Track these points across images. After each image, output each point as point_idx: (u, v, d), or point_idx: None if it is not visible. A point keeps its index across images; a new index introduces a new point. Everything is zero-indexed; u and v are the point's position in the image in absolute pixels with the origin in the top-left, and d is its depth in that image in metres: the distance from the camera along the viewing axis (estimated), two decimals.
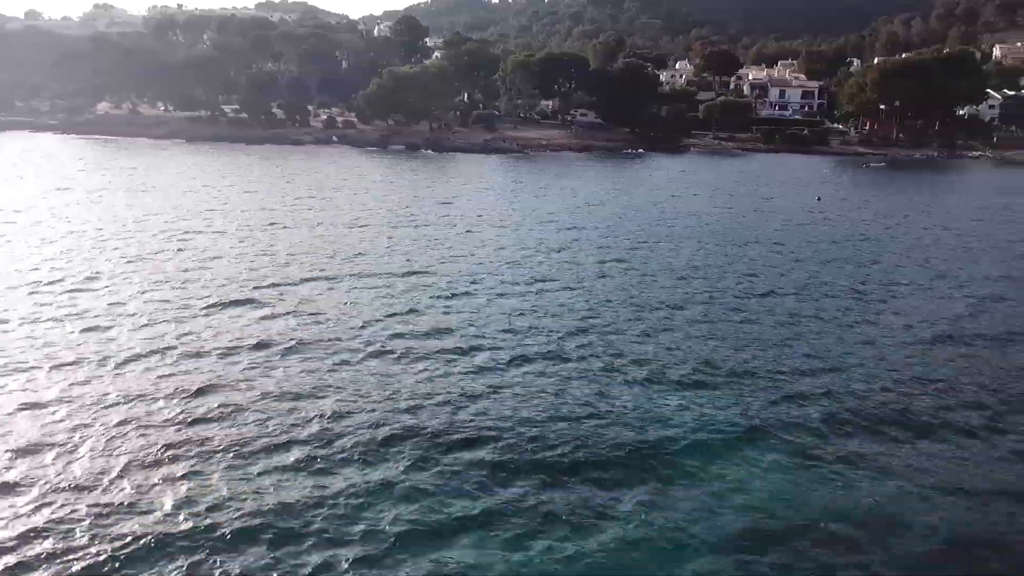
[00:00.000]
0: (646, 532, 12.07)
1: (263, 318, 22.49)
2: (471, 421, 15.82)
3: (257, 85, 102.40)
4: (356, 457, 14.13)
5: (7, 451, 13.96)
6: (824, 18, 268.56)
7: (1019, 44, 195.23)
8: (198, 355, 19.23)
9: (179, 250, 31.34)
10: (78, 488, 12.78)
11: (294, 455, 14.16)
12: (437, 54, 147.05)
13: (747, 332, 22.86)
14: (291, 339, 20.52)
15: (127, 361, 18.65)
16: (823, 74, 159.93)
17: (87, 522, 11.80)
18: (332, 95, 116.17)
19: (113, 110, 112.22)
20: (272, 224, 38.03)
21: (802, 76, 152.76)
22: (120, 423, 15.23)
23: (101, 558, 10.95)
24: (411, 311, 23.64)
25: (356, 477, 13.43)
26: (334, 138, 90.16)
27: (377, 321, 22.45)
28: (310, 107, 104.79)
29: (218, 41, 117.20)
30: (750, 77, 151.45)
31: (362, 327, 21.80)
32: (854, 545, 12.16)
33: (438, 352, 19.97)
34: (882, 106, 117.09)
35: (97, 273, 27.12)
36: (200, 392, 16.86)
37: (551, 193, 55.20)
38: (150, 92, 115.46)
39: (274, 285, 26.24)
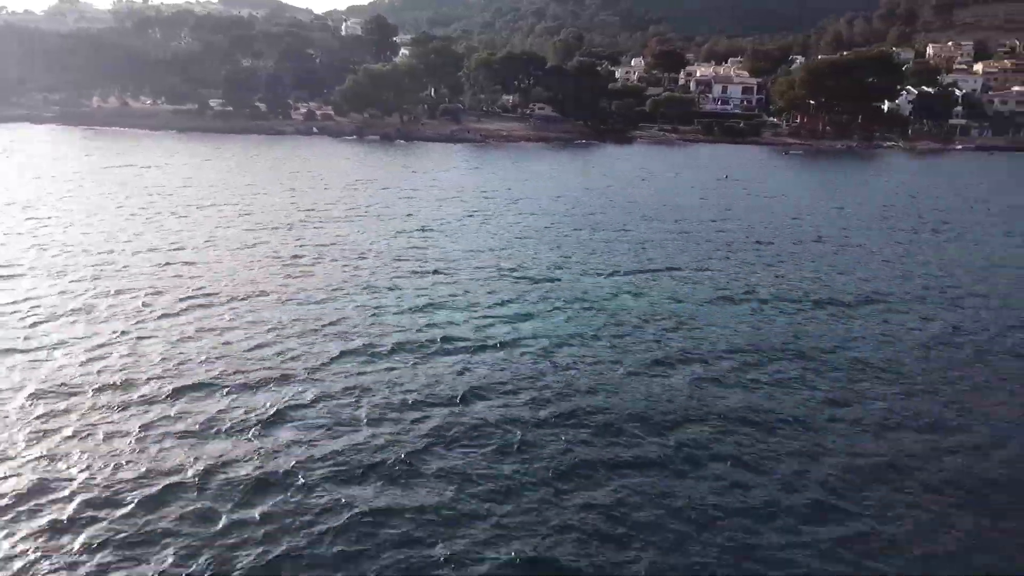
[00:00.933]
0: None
1: (308, 234, 35.62)
2: (432, 273, 29.30)
3: (238, 81, 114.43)
4: (387, 285, 27.48)
5: (184, 324, 27.02)
6: (777, 16, 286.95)
7: (949, 44, 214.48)
8: (275, 255, 32.37)
9: (227, 203, 44.20)
10: (210, 330, 25.90)
11: (355, 299, 27.42)
12: (404, 51, 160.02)
13: (608, 248, 36.64)
14: (329, 243, 33.79)
15: (228, 249, 31.69)
16: (766, 71, 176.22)
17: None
18: (307, 90, 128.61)
19: (102, 104, 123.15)
20: (290, 190, 50.99)
21: (745, 73, 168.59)
22: (240, 284, 28.34)
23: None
24: (398, 233, 36.97)
25: (392, 298, 26.78)
26: (314, 129, 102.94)
27: (381, 239, 35.70)
28: (289, 101, 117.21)
29: (204, 39, 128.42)
30: (697, 74, 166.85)
31: (371, 241, 35.03)
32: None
33: (418, 248, 33.37)
34: (811, 101, 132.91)
35: (175, 211, 40.00)
36: (293, 258, 30.05)
37: (505, 172, 68.83)
38: (133, 85, 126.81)
39: (303, 221, 39.32)
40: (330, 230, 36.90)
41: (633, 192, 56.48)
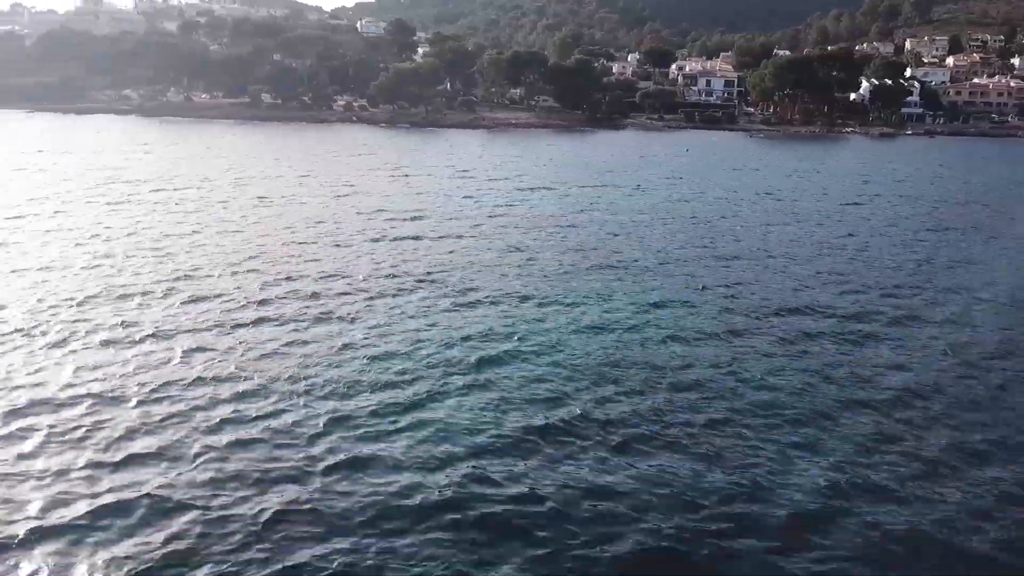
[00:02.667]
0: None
1: (392, 177, 60.83)
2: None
3: (286, 78, 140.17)
4: (453, 191, 52.76)
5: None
6: (770, 12, 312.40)
7: (926, 39, 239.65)
8: (390, 178, 57.60)
9: (335, 158, 69.47)
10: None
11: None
12: (420, 49, 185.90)
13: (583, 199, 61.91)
14: (412, 181, 59.10)
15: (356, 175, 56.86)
16: (750, 66, 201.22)
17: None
18: (339, 84, 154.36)
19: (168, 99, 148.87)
20: (358, 155, 76.40)
21: (729, 68, 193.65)
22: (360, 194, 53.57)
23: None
24: (450, 175, 62.17)
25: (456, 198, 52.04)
26: (354, 118, 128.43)
27: (441, 176, 60.88)
28: (327, 94, 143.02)
29: (250, 42, 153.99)
30: (686, 68, 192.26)
31: (436, 177, 60.20)
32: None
33: (465, 180, 58.55)
34: (780, 92, 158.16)
35: (281, 172, 65.33)
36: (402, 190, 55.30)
37: (513, 149, 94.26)
38: (190, 82, 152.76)
39: (357, 169, 64.40)
40: (398, 177, 62.22)
41: (606, 159, 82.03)
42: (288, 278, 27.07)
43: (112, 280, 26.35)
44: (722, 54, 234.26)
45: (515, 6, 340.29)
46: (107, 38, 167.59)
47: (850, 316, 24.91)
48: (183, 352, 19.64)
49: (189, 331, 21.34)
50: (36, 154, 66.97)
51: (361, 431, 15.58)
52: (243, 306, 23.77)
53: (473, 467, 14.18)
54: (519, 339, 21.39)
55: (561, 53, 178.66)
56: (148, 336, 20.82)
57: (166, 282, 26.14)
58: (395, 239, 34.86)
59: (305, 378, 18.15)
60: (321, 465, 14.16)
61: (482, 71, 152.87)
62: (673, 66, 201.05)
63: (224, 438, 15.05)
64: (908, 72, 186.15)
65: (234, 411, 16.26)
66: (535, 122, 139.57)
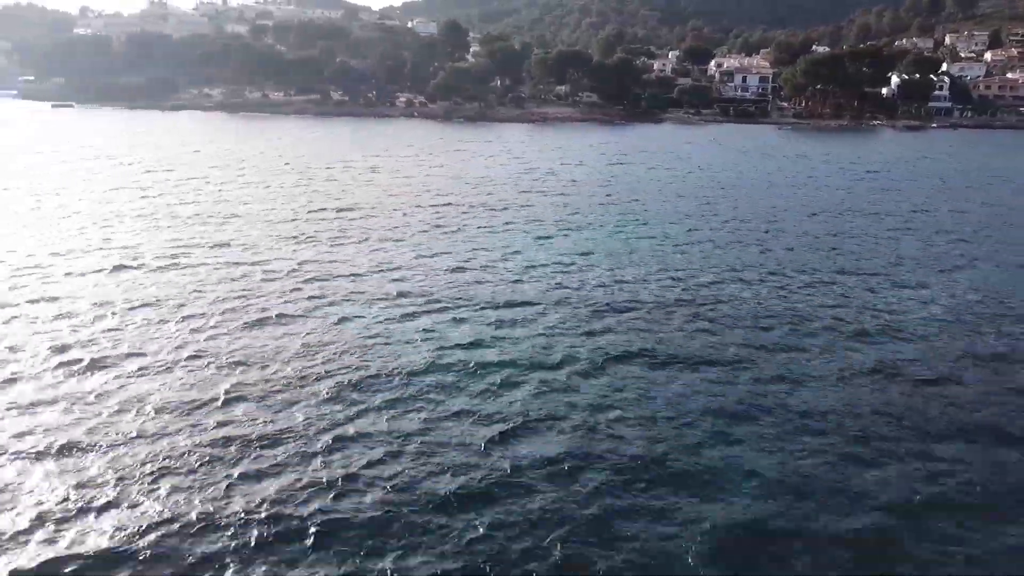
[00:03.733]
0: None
1: (462, 159, 77.12)
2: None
3: (352, 76, 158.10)
4: (501, 170, 68.92)
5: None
6: (812, 10, 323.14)
7: (966, 33, 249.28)
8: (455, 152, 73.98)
9: (402, 148, 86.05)
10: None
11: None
12: (471, 48, 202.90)
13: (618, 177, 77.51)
14: (469, 163, 75.42)
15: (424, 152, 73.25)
16: (787, 62, 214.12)
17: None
18: (397, 83, 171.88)
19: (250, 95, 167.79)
20: (430, 143, 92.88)
21: (766, 64, 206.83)
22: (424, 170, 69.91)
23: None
24: (504, 159, 78.29)
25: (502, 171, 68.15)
26: (414, 113, 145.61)
27: (500, 158, 77.03)
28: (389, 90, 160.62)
29: (316, 44, 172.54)
30: (723, 65, 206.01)
31: (495, 157, 76.37)
32: None
33: (510, 165, 74.61)
34: (812, 88, 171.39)
35: (377, 154, 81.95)
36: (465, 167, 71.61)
37: (557, 139, 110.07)
38: (263, 79, 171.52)
39: (431, 153, 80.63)
40: (465, 157, 78.39)
41: (639, 146, 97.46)
42: (416, 207, 43.57)
43: (306, 207, 43.08)
44: (761, 51, 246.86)
45: (559, 4, 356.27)
46: (183, 41, 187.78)
47: (762, 236, 40.34)
48: (359, 238, 35.99)
49: (359, 233, 37.77)
50: (180, 145, 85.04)
51: (463, 271, 31.70)
52: (390, 222, 40.14)
53: (520, 281, 30.06)
54: (563, 235, 37.43)
55: (604, 52, 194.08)
56: (334, 235, 37.29)
57: (332, 213, 42.63)
58: (476, 192, 51.16)
59: (436, 255, 34.33)
60: (447, 293, 30.27)
61: (530, 69, 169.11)
62: (711, 63, 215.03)
63: (382, 288, 31.23)
64: (944, 67, 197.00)
65: (401, 276, 32.48)
66: (578, 117, 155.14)
